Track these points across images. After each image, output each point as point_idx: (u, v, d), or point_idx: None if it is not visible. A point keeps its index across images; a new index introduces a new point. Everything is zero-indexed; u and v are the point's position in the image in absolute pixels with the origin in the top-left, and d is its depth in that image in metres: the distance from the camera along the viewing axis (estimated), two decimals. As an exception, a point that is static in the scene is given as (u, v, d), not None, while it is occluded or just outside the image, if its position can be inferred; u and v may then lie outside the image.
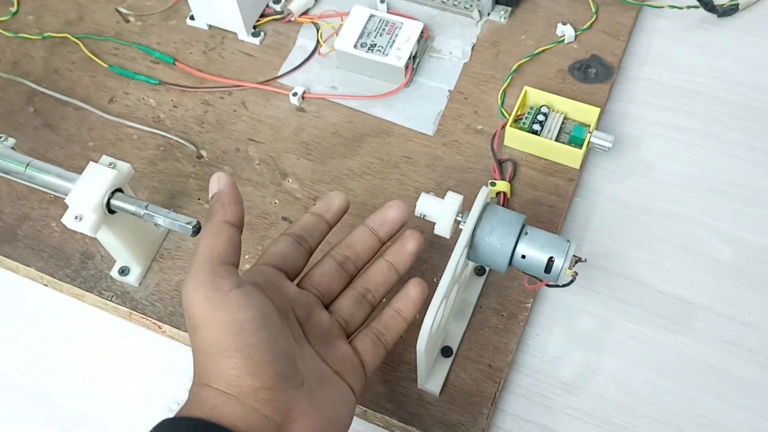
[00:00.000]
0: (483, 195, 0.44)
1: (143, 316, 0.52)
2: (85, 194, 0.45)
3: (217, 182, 0.41)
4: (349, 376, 0.40)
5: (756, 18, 0.63)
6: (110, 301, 0.52)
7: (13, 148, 0.49)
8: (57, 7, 0.67)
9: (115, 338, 0.53)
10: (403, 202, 0.45)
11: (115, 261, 0.53)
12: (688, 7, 0.62)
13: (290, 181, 0.57)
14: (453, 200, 0.44)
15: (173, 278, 0.53)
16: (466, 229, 0.43)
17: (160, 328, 0.52)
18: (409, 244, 0.45)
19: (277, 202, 0.56)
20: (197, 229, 0.45)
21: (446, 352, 0.48)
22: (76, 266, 0.54)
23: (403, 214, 0.45)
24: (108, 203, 0.46)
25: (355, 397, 0.40)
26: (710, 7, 0.62)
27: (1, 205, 0.57)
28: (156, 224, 0.46)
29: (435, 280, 0.52)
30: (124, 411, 0.51)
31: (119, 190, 0.47)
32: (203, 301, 0.36)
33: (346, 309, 0.43)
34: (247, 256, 0.54)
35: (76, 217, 0.45)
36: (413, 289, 0.44)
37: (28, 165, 0.47)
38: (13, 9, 0.67)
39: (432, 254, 0.53)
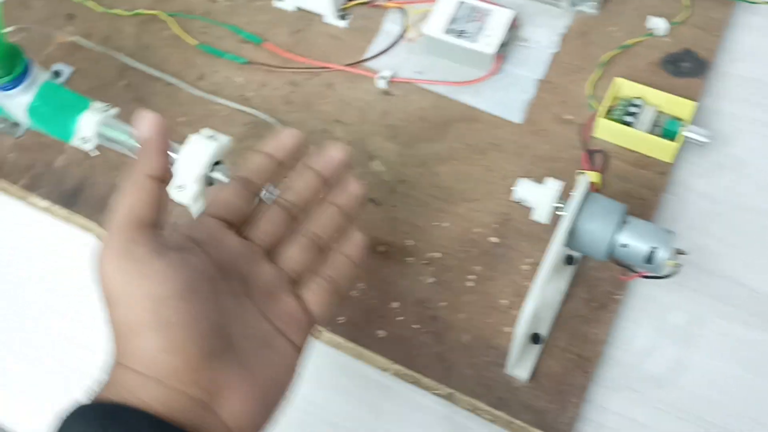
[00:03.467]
0: (584, 182, 0.44)
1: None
2: (188, 165, 0.46)
3: (147, 124, 0.35)
4: (293, 333, 0.37)
5: None
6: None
7: (115, 118, 0.50)
8: (148, -15, 0.68)
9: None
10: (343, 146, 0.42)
11: (204, 234, 0.54)
12: (785, 3, 0.61)
13: (377, 163, 0.57)
14: (553, 186, 0.44)
15: (260, 254, 0.54)
16: (568, 215, 0.43)
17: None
18: (352, 186, 0.42)
19: (364, 183, 0.56)
20: (294, 204, 0.46)
21: (536, 338, 0.48)
22: (166, 238, 0.55)
23: (346, 156, 0.42)
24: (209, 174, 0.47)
25: (297, 353, 0.37)
26: (808, 5, 0.60)
27: (95, 175, 0.58)
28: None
29: (523, 266, 0.51)
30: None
31: (219, 162, 0.47)
32: (116, 273, 0.32)
33: (298, 257, 0.38)
34: (333, 236, 0.54)
35: (178, 187, 0.46)
36: (357, 235, 0.41)
37: (131, 134, 0.48)
38: (105, -15, 0.68)
39: (520, 241, 0.53)
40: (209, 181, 0.47)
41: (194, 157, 0.46)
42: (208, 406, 0.32)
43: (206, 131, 0.48)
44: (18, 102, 0.47)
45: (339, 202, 0.41)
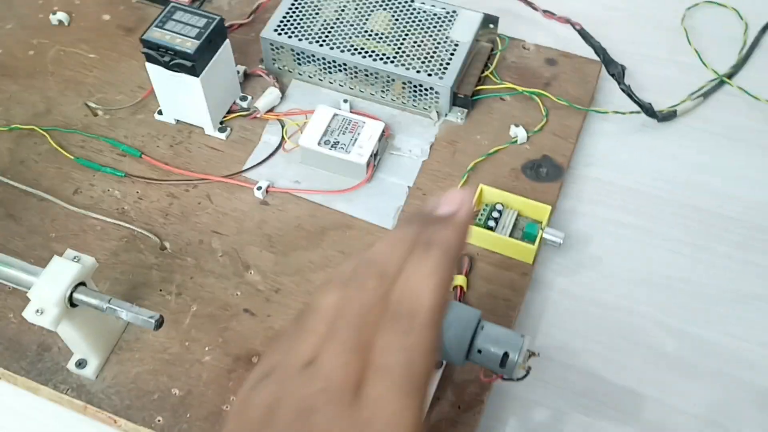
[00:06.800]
0: (440, 291, 0.46)
1: (98, 410, 0.51)
2: (47, 288, 0.46)
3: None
4: None
5: (692, 123, 0.68)
6: (65, 394, 0.52)
7: None
8: (26, 100, 0.68)
9: (69, 433, 0.53)
10: None
11: (72, 353, 0.53)
12: (631, 112, 0.66)
13: (252, 272, 0.58)
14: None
15: (131, 371, 0.53)
16: (425, 324, 0.44)
17: (116, 422, 0.51)
18: None
19: (239, 293, 0.57)
20: (159, 324, 0.46)
21: (405, 446, 0.49)
22: (33, 358, 0.53)
23: None
24: (70, 297, 0.46)
25: None
26: (651, 113, 0.66)
27: None
28: (118, 318, 0.46)
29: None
30: None
31: (82, 283, 0.47)
32: None
33: None
34: (207, 348, 0.54)
35: (37, 311, 0.45)
36: None
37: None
38: (-18, 100, 0.68)
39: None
40: (72, 303, 0.47)
41: (55, 280, 0.46)
42: None
43: (70, 253, 0.48)
44: None
45: None
